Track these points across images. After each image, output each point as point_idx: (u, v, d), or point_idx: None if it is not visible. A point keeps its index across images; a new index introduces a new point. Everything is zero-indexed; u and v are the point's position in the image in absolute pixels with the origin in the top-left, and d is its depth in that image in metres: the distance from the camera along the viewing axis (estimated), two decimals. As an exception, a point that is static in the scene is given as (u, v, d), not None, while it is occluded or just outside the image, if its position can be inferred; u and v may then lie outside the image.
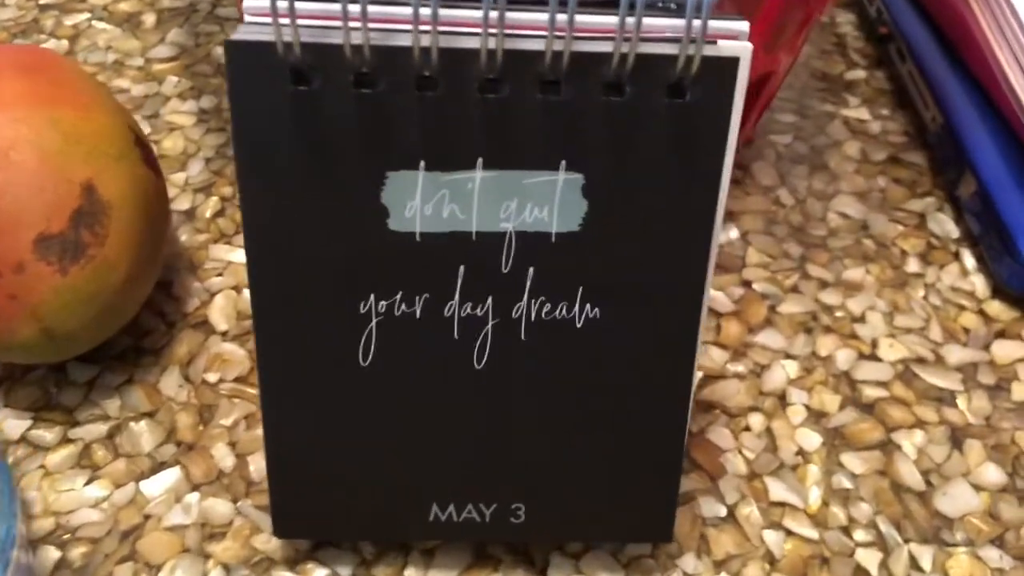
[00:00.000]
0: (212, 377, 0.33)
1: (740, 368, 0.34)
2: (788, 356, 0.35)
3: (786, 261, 0.38)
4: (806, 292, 0.37)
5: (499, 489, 0.27)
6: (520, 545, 0.30)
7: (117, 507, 0.30)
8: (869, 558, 0.30)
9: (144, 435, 0.32)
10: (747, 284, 0.37)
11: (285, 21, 0.22)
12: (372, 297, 0.24)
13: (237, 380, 0.33)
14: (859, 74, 0.47)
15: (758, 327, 0.36)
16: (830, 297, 0.37)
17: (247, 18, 0.23)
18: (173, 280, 0.36)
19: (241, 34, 0.22)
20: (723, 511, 0.31)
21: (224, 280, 0.36)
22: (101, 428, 0.32)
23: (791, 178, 0.42)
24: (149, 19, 0.48)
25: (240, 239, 0.38)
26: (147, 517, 0.30)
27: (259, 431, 0.32)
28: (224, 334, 0.35)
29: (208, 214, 0.39)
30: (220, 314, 0.35)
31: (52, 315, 0.29)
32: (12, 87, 0.30)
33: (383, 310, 0.25)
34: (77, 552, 0.29)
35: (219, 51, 0.46)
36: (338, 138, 0.22)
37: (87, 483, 0.30)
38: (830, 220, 0.40)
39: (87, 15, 0.47)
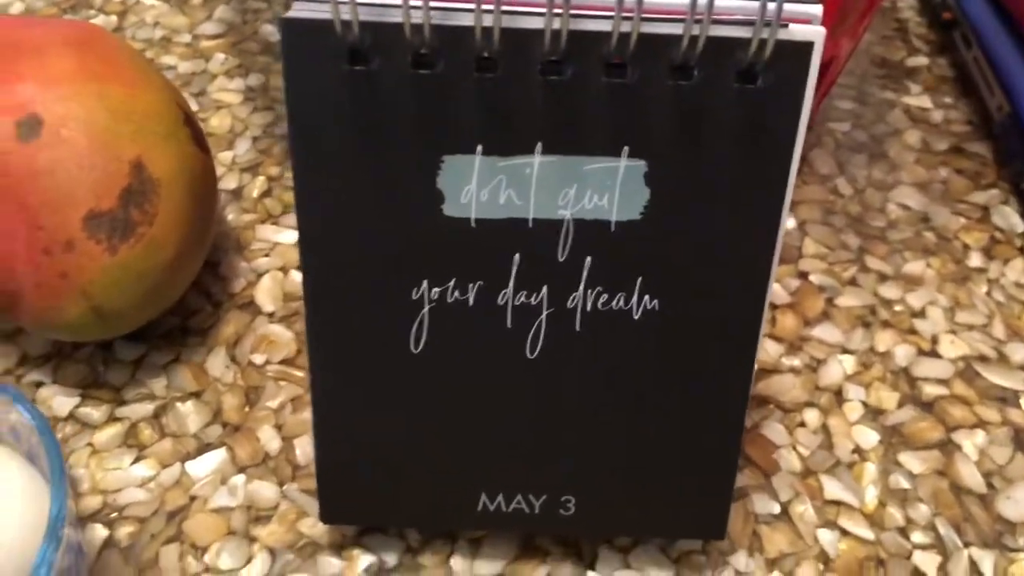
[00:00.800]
0: (258, 359, 0.33)
1: (795, 362, 0.33)
2: (845, 351, 0.34)
3: (844, 253, 0.37)
4: (864, 285, 0.36)
5: (549, 480, 0.26)
6: (569, 537, 0.29)
7: (163, 487, 0.30)
8: (927, 561, 0.29)
9: (190, 415, 0.32)
10: (804, 276, 0.36)
11: (343, -1, 0.21)
12: (425, 283, 0.24)
13: (283, 362, 0.33)
14: (921, 60, 0.46)
15: (814, 320, 0.35)
16: (889, 291, 0.36)
17: (303, -5, 0.22)
18: (220, 260, 0.36)
19: (296, 11, 0.21)
20: (776, 508, 0.30)
21: (271, 261, 0.36)
22: (148, 407, 0.32)
23: (850, 167, 0.40)
24: (198, -4, 0.47)
25: (287, 220, 0.37)
26: (193, 498, 0.30)
27: (305, 414, 0.32)
28: (271, 315, 0.34)
29: (255, 194, 0.38)
30: (267, 295, 0.35)
31: (101, 293, 0.29)
32: (61, 63, 0.29)
33: (436, 297, 0.24)
34: (124, 531, 0.29)
35: (266, 29, 0.46)
36: (394, 120, 0.22)
37: (134, 462, 0.30)
38: (889, 211, 0.39)
39: (138, -9, 0.47)
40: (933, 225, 0.38)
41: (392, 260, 0.24)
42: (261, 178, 0.39)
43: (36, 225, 0.28)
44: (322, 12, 0.21)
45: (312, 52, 0.21)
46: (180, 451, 0.31)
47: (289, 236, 0.37)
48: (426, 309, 0.24)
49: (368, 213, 0.23)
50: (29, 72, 0.29)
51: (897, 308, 0.35)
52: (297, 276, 0.36)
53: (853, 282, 0.36)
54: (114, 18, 0.46)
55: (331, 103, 0.22)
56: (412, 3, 0.21)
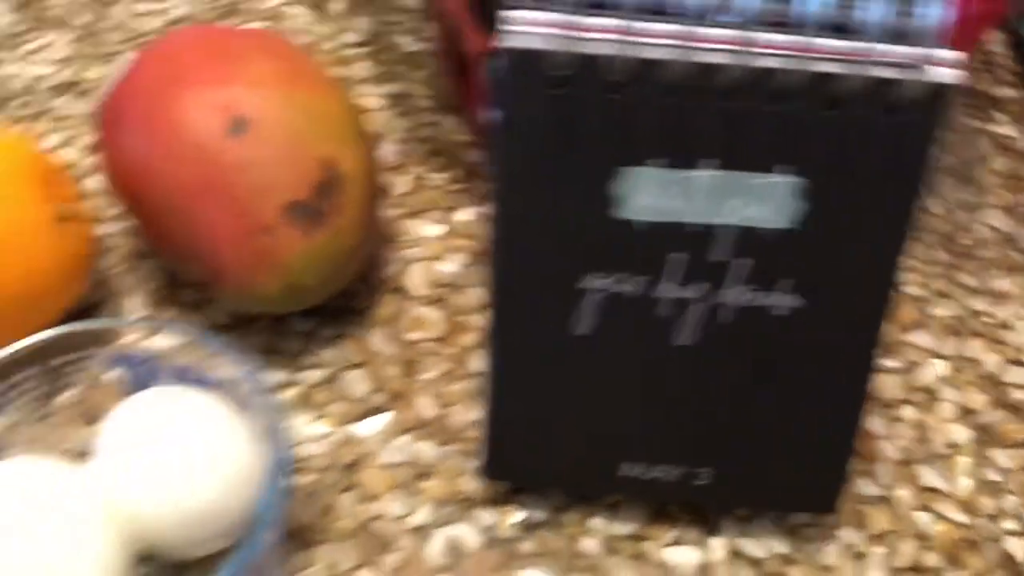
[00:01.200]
0: (413, 336, 0.37)
1: (894, 363, 0.37)
2: (938, 356, 0.37)
3: (935, 267, 0.41)
4: (955, 297, 0.40)
5: (686, 453, 0.30)
6: (695, 507, 0.33)
7: (337, 444, 0.34)
8: (1016, 546, 0.32)
9: (357, 383, 0.36)
10: (899, 286, 0.40)
11: (549, 31, 0.25)
12: (592, 275, 0.28)
13: (435, 340, 0.37)
14: (1008, 92, 0.49)
15: (910, 326, 0.38)
16: (978, 303, 0.39)
17: (511, 27, 0.26)
18: (374, 250, 0.40)
19: (509, 41, 0.25)
20: (878, 492, 0.33)
21: (418, 251, 0.40)
22: (319, 374, 0.36)
23: (939, 188, 0.44)
24: (337, 5, 0.52)
25: (431, 216, 0.42)
26: (364, 454, 0.34)
27: (458, 386, 0.36)
28: (420, 299, 0.39)
29: (401, 191, 0.42)
30: (416, 281, 0.39)
31: (295, 272, 0.33)
32: (261, 68, 0.34)
33: (600, 287, 0.28)
34: (307, 479, 0.33)
35: (404, 40, 0.50)
36: (584, 135, 0.26)
37: (311, 421, 0.35)
38: (977, 231, 0.42)
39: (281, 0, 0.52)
40: (1019, 246, 0.42)
41: (567, 253, 0.28)
42: (406, 177, 0.43)
43: (242, 211, 0.32)
44: (530, 43, 0.25)
45: (521, 77, 0.25)
46: (350, 413, 0.35)
47: (433, 230, 0.41)
48: (591, 297, 0.28)
49: (553, 213, 0.27)
50: (236, 76, 0.33)
51: (986, 319, 0.39)
52: (442, 265, 0.40)
53: (944, 294, 0.40)
54: (264, 24, 0.50)
55: (533, 120, 0.26)
56: (605, 37, 0.25)
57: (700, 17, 0.25)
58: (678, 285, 0.28)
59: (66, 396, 0.32)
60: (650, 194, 0.26)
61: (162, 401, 0.30)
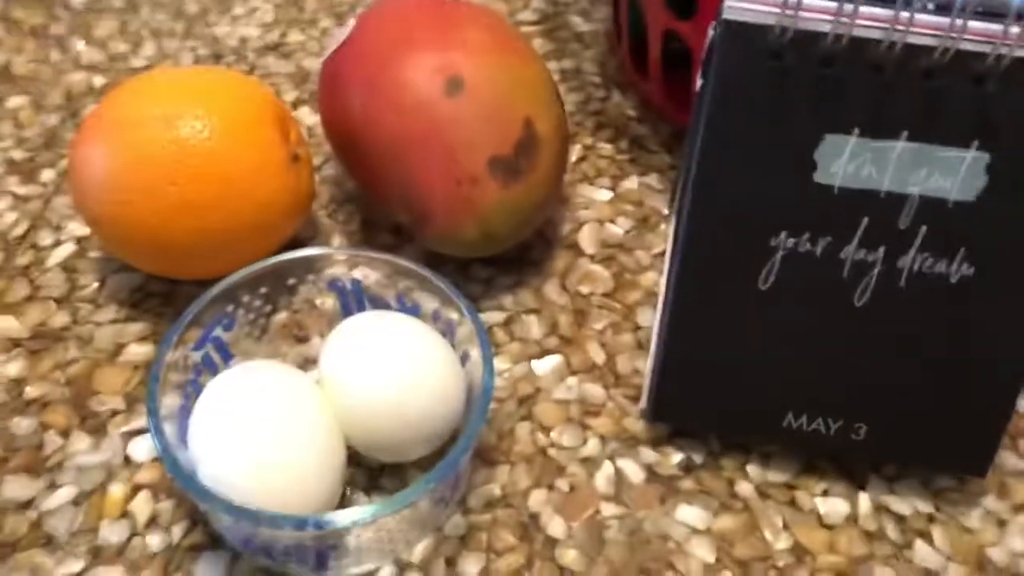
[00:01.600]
0: (584, 290, 0.40)
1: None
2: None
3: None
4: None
5: (848, 408, 0.33)
6: (844, 463, 0.35)
7: (515, 378, 0.38)
8: None
9: (533, 326, 0.39)
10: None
11: (769, 8, 0.28)
12: (783, 234, 0.30)
13: (604, 295, 0.40)
14: None
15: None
16: None
17: (730, 3, 0.29)
18: (552, 208, 0.43)
19: (730, 14, 0.28)
20: (1022, 465, 0.35)
21: (589, 213, 0.43)
22: (499, 316, 0.40)
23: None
24: (515, -13, 0.55)
25: (601, 181, 0.45)
26: (538, 389, 0.37)
27: (624, 337, 0.39)
28: (591, 256, 0.42)
29: (574, 158, 0.46)
30: (587, 240, 0.42)
31: (492, 220, 0.37)
32: (477, 37, 0.37)
33: (789, 245, 0.31)
34: (490, 407, 0.36)
35: (576, 20, 0.53)
36: (793, 104, 0.28)
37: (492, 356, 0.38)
38: None
39: (464, -21, 0.56)
40: None
41: (761, 212, 0.30)
42: (578, 146, 0.46)
43: (452, 161, 0.36)
44: (751, 16, 0.28)
45: (741, 48, 0.28)
46: (526, 352, 0.38)
47: (603, 195, 0.44)
48: (779, 255, 0.31)
49: (752, 174, 0.30)
50: (456, 43, 0.37)
51: None
52: (611, 227, 0.43)
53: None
54: None
55: (748, 88, 0.29)
56: (823, 18, 0.27)
57: (910, 2, 0.27)
58: (863, 248, 0.30)
59: (281, 316, 0.36)
60: (848, 161, 0.29)
61: (378, 322, 0.33)
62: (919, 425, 0.33)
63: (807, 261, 0.31)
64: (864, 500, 0.34)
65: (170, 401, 0.31)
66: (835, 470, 0.35)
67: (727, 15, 0.28)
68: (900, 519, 0.34)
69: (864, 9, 0.27)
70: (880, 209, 0.29)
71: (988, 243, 0.29)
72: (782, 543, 0.33)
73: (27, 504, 0.33)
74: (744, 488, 0.35)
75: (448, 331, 0.34)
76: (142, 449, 0.35)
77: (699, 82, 0.30)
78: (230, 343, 0.35)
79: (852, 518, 0.34)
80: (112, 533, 0.32)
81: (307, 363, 0.37)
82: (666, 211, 0.44)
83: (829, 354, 0.32)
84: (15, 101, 0.48)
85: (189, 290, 0.39)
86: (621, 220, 0.43)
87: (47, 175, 0.44)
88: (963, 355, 0.31)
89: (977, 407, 0.32)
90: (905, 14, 0.26)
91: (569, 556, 0.33)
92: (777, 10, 0.27)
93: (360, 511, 0.28)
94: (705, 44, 0.29)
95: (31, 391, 0.36)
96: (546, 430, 0.36)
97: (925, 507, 0.34)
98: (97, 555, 0.32)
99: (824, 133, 0.29)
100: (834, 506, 0.34)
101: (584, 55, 0.51)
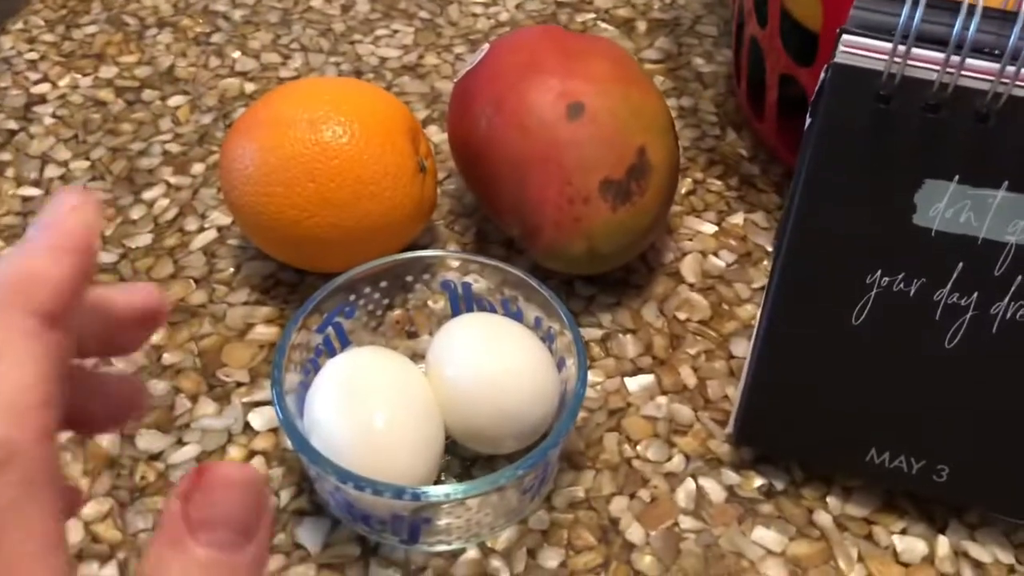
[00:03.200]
0: (681, 315, 0.42)
1: None
2: None
3: None
4: None
5: (931, 449, 0.33)
6: (924, 504, 0.36)
7: (607, 392, 0.39)
8: None
9: (628, 345, 0.41)
10: None
11: (879, 55, 0.29)
12: (879, 272, 0.32)
13: (700, 322, 0.42)
14: None
15: None
16: None
17: (844, 48, 0.30)
18: (656, 236, 0.45)
19: (841, 59, 0.30)
20: (1112, 528, 0.35)
21: (693, 244, 0.45)
22: (597, 332, 0.42)
23: None
24: (641, 25, 0.58)
25: (708, 215, 0.46)
26: (628, 404, 0.39)
27: (717, 364, 0.40)
28: (691, 285, 0.43)
29: (683, 191, 0.48)
30: (689, 269, 0.44)
31: (598, 239, 0.39)
32: (601, 68, 0.40)
33: (884, 284, 0.32)
34: (581, 415, 0.38)
35: (698, 61, 0.55)
36: (896, 147, 0.30)
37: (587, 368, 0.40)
38: None
39: (593, 15, 0.58)
40: None
41: (859, 250, 0.32)
42: (688, 180, 0.48)
43: (567, 181, 0.38)
44: (861, 61, 0.30)
45: (850, 91, 0.30)
46: (620, 368, 0.40)
47: (708, 227, 0.46)
48: (873, 292, 0.32)
49: (852, 212, 0.31)
50: (579, 71, 0.39)
51: None
52: (714, 259, 0.44)
53: None
54: (576, 35, 0.57)
55: (853, 129, 0.30)
56: (931, 67, 0.29)
57: (1017, 57, 0.28)
58: (956, 292, 0.31)
59: (396, 311, 0.39)
60: (947, 206, 0.30)
61: (484, 321, 0.36)
62: (1002, 473, 0.33)
63: (900, 301, 0.32)
64: (943, 543, 0.35)
65: (291, 376, 0.34)
66: (916, 510, 0.36)
67: (839, 59, 0.30)
68: (978, 565, 0.34)
69: (971, 61, 0.28)
70: (976, 255, 0.30)
71: (1085, 297, 0.30)
72: (855, 574, 0.34)
73: (157, 456, 0.37)
74: (822, 518, 0.35)
75: (547, 339, 0.37)
76: (260, 419, 0.38)
77: (808, 120, 0.32)
78: (349, 330, 0.38)
79: (929, 559, 0.34)
80: (228, 491, 0.36)
81: (415, 357, 0.39)
82: (770, 249, 0.45)
83: (916, 394, 0.33)
84: (175, 100, 0.52)
85: (315, 281, 0.43)
86: (724, 253, 0.45)
87: (197, 168, 0.49)
88: (1052, 406, 0.31)
89: (1064, 460, 0.32)
90: (1011, 68, 0.27)
91: (645, 561, 0.34)
92: (886, 57, 0.29)
93: (452, 488, 0.30)
94: (816, 85, 0.31)
95: (168, 358, 0.40)
96: (633, 443, 0.38)
97: (1006, 557, 0.34)
98: (213, 509, 0.35)
99: (925, 178, 0.30)
100: (912, 545, 0.35)
101: (703, 94, 0.53)
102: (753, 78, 0.48)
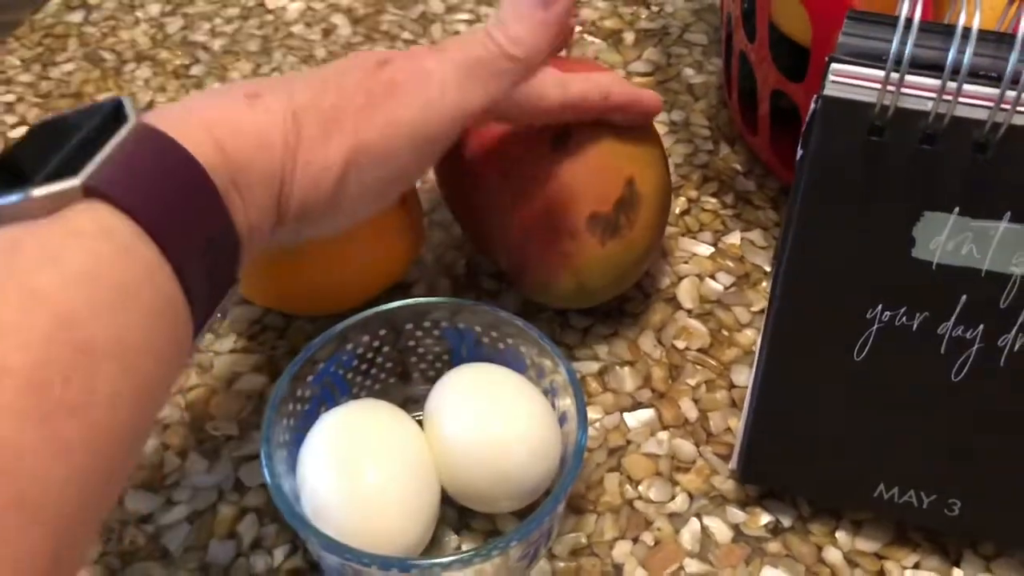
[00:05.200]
0: (680, 344, 0.41)
1: None
2: None
3: None
4: None
5: (942, 483, 0.32)
6: (937, 536, 0.35)
7: (607, 429, 0.38)
8: None
9: (626, 378, 0.40)
10: None
11: (871, 85, 0.28)
12: (880, 307, 0.30)
13: (700, 350, 0.41)
14: None
15: None
16: None
17: (833, 78, 0.29)
18: (652, 262, 0.44)
19: (831, 91, 0.29)
20: None
21: (689, 267, 0.44)
22: (594, 366, 0.40)
23: None
24: (629, 37, 0.56)
25: (703, 236, 0.45)
26: (629, 442, 0.38)
27: (718, 394, 0.39)
28: (689, 311, 0.42)
29: (677, 211, 0.46)
30: (686, 294, 0.43)
31: (587, 274, 0.38)
32: (586, 95, 0.39)
33: (886, 319, 0.31)
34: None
35: (688, 72, 0.54)
36: (892, 180, 0.29)
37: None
38: None
39: (579, 28, 0.57)
40: None
41: (857, 285, 0.30)
42: (682, 199, 0.47)
43: (553, 214, 0.37)
44: (851, 94, 0.28)
45: (842, 123, 0.28)
46: (619, 404, 0.39)
47: (704, 249, 0.45)
48: (874, 327, 0.31)
49: (849, 246, 0.30)
50: (564, 100, 0.38)
51: None
52: (711, 283, 0.43)
53: None
54: (563, 52, 0.55)
55: (844, 162, 0.29)
56: (925, 96, 0.28)
57: (1014, 82, 0.27)
58: (961, 325, 0.30)
59: (386, 357, 0.38)
60: (948, 239, 0.29)
61: (484, 375, 0.35)
62: (1017, 505, 0.32)
63: (903, 335, 0.31)
64: (958, 577, 0.34)
65: (283, 431, 0.33)
66: (929, 543, 0.35)
67: (828, 91, 0.29)
68: (995, 600, 0.33)
69: (968, 87, 0.27)
70: (980, 288, 0.29)
71: (1095, 327, 0.29)
72: (867, 615, 0.33)
73: (146, 518, 0.36)
74: (832, 555, 0.34)
75: (546, 382, 0.35)
76: (252, 474, 0.37)
77: (799, 152, 0.31)
78: (344, 379, 0.37)
79: (943, 595, 0.33)
80: (220, 552, 0.35)
81: (408, 402, 0.38)
82: (768, 268, 0.44)
83: (923, 428, 0.32)
84: (157, 138, 0.51)
85: (303, 325, 0.42)
86: (721, 275, 0.44)
87: (181, 209, 0.48)
88: (1066, 439, 0.30)
89: (1080, 493, 0.31)
90: (1012, 93, 0.26)
91: (650, 611, 0.33)
92: (878, 86, 0.28)
93: (442, 559, 0.29)
94: (807, 116, 0.30)
95: (156, 413, 0.39)
96: (635, 483, 0.37)
97: (1023, 590, 0.33)
98: (206, 572, 0.34)
99: (923, 210, 0.29)
100: (925, 581, 0.34)
101: (694, 107, 0.52)
102: (744, 91, 0.46)
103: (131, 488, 0.37)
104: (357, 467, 0.32)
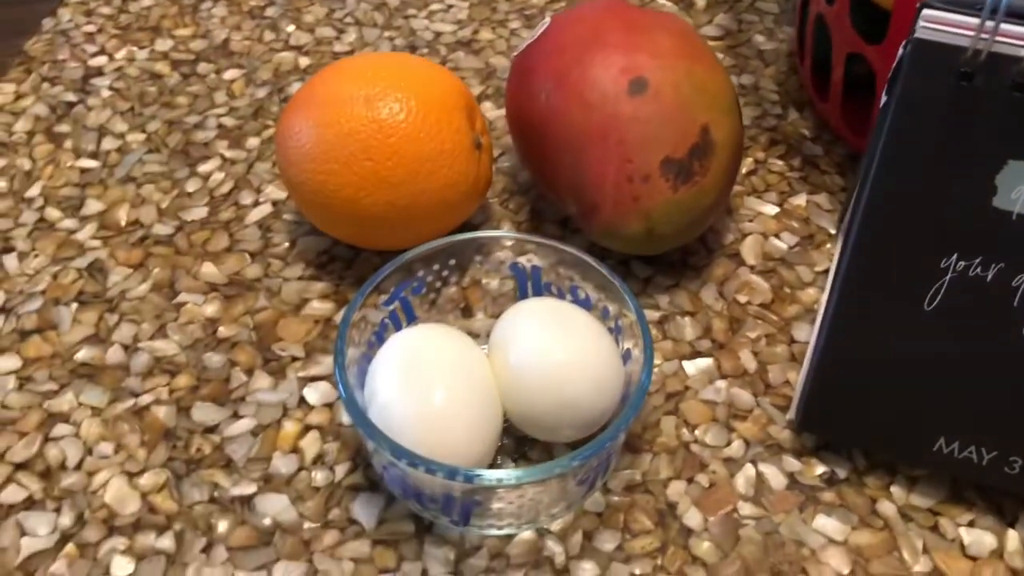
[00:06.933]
0: (742, 298, 0.41)
1: None
2: None
3: None
4: None
5: (1004, 439, 0.32)
6: (993, 495, 0.35)
7: (665, 375, 0.39)
8: None
9: (687, 328, 0.40)
10: None
11: (963, 31, 0.28)
12: (955, 256, 0.31)
13: (761, 305, 0.41)
14: None
15: None
16: None
17: (924, 23, 0.29)
18: (718, 216, 0.44)
19: (922, 34, 0.29)
20: None
21: (754, 226, 0.44)
22: (655, 314, 0.41)
23: None
24: (700, 2, 0.56)
25: (769, 196, 0.45)
26: (687, 388, 0.38)
27: (778, 348, 0.39)
28: (752, 267, 0.42)
29: (744, 171, 0.46)
30: (750, 251, 0.43)
31: (657, 219, 0.38)
32: (664, 42, 0.39)
33: (960, 268, 0.31)
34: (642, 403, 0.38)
35: (759, 38, 0.54)
36: (979, 126, 0.29)
37: (645, 350, 0.39)
38: None
39: (651, -9, 0.57)
40: None
41: (934, 233, 0.30)
42: (749, 159, 0.47)
43: (627, 158, 0.38)
44: (945, 37, 0.28)
45: (931, 67, 0.29)
46: (678, 351, 0.39)
47: (770, 208, 0.45)
48: (948, 277, 0.31)
49: (928, 192, 0.30)
50: (643, 46, 0.38)
51: None
52: (775, 241, 0.43)
53: None
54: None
55: (935, 107, 0.29)
56: (1019, 43, 0.28)
57: (1112, 32, 0.27)
58: (1032, 280, 0.30)
59: (451, 290, 0.39)
60: (1029, 187, 0.29)
61: (551, 307, 0.35)
62: (1080, 467, 0.32)
63: (977, 286, 0.31)
64: (1013, 537, 0.34)
65: (352, 350, 0.34)
66: (983, 502, 0.35)
67: (920, 34, 0.29)
68: (1049, 562, 0.33)
69: (1064, 36, 0.27)
70: (1061, 240, 0.29)
71: None
72: (920, 566, 0.33)
73: (212, 428, 0.37)
74: (886, 507, 0.35)
75: (612, 323, 0.36)
76: (316, 393, 0.38)
77: (883, 99, 0.31)
78: (412, 307, 0.38)
79: (998, 552, 0.33)
80: (283, 464, 0.36)
81: (470, 336, 0.39)
82: (833, 231, 0.44)
83: (990, 382, 0.32)
84: (230, 74, 0.52)
85: (369, 257, 0.42)
86: (786, 235, 0.44)
87: (252, 142, 0.49)
88: None
89: None
90: (1108, 44, 0.26)
91: (703, 547, 0.33)
92: (972, 32, 0.28)
93: (506, 473, 0.30)
94: (894, 62, 0.30)
95: (223, 331, 0.40)
96: (691, 427, 0.37)
97: (1077, 554, 0.33)
98: (268, 482, 0.35)
99: (1008, 159, 0.29)
100: (979, 538, 0.34)
101: (764, 72, 0.52)
102: (817, 56, 0.46)
103: (198, 400, 0.38)
104: (425, 384, 0.32)
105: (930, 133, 0.29)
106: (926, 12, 0.29)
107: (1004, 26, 0.28)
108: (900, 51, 0.30)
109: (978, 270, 0.30)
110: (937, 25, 0.29)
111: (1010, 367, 0.31)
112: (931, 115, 0.29)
